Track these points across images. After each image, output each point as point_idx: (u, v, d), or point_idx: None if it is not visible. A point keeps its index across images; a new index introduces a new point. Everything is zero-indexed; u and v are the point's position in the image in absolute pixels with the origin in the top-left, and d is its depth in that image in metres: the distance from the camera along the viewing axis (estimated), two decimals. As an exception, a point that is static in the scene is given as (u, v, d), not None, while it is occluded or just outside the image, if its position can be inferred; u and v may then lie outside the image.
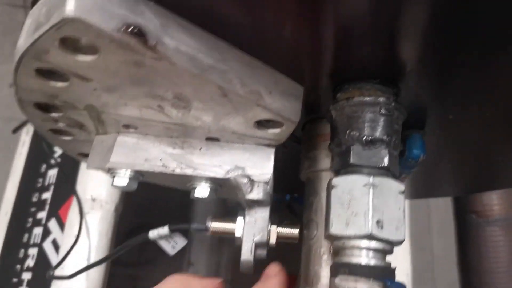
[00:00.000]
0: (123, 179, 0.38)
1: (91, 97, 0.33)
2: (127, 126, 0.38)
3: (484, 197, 0.96)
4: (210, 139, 0.38)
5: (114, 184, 0.38)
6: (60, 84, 0.31)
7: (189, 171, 0.38)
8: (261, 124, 0.35)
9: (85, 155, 0.45)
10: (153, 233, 0.41)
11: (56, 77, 0.31)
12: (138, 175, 0.38)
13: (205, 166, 0.38)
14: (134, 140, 0.38)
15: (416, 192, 0.64)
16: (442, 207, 1.30)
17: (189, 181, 0.39)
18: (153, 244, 0.94)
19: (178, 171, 0.38)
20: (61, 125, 0.38)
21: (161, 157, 0.38)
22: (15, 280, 0.83)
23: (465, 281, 0.99)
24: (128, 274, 0.85)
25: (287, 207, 0.59)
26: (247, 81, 0.31)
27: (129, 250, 0.89)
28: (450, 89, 0.34)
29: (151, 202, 0.84)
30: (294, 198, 0.53)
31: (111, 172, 0.38)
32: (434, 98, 0.35)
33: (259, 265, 0.40)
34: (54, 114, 0.36)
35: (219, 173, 0.38)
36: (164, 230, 0.41)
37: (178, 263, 0.88)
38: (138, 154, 0.38)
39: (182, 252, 0.38)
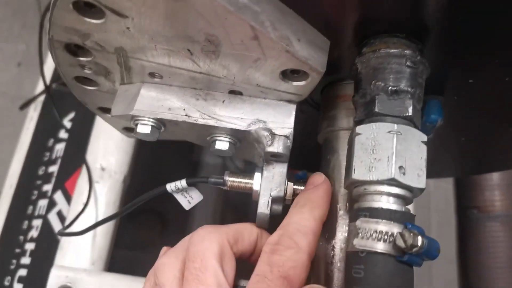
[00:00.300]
0: (146, 126, 0.38)
1: (123, 37, 0.34)
2: (152, 75, 0.38)
3: (487, 192, 0.97)
4: (233, 92, 0.39)
5: (138, 131, 0.38)
6: (95, 21, 0.32)
7: (211, 122, 0.38)
8: (286, 75, 0.36)
9: (105, 110, 0.46)
10: (170, 186, 0.42)
11: (92, 14, 0.32)
12: (160, 125, 0.39)
13: (227, 117, 0.38)
14: (158, 90, 0.39)
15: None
16: (442, 203, 1.31)
17: (209, 133, 0.40)
18: (155, 226, 0.95)
19: (200, 121, 0.38)
20: (87, 71, 0.39)
21: (184, 107, 0.39)
22: (18, 250, 0.83)
23: (463, 276, 0.99)
24: (128, 256, 0.86)
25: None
26: (278, 25, 0.32)
27: (129, 233, 0.89)
28: (474, 51, 0.35)
29: (157, 178, 0.84)
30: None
31: (135, 119, 0.39)
32: (457, 59, 0.36)
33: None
34: (82, 59, 0.37)
35: (241, 125, 0.38)
36: (182, 183, 0.42)
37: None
38: (162, 103, 0.39)
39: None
